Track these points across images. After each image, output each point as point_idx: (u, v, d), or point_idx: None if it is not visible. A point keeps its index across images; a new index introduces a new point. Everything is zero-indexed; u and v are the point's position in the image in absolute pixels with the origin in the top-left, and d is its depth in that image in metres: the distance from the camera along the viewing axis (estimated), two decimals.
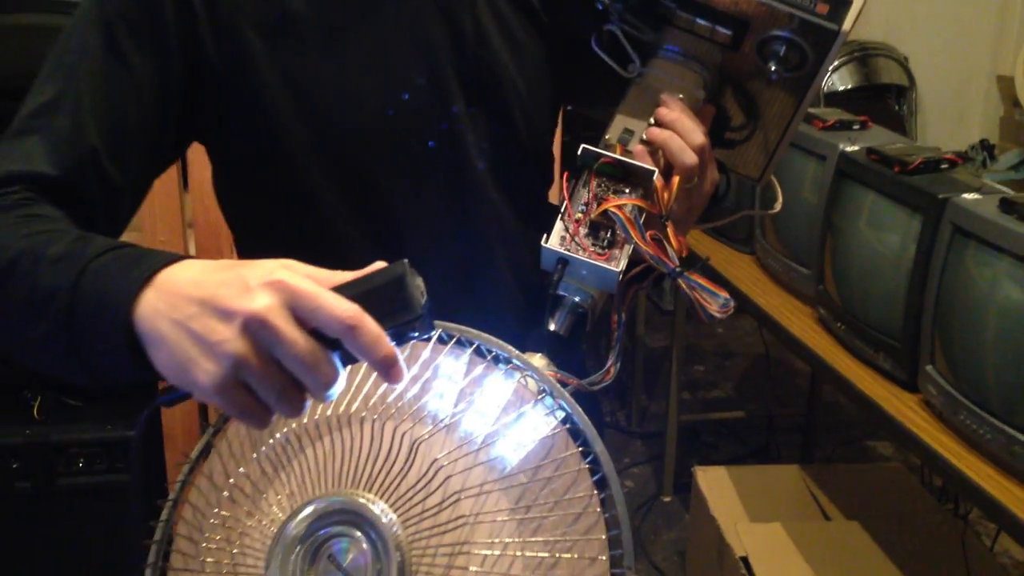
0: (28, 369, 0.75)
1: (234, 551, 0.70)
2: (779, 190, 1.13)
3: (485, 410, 0.71)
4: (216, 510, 0.71)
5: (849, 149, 1.86)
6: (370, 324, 0.59)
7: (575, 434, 0.72)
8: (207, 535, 0.71)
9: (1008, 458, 1.41)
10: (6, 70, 2.45)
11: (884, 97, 4.21)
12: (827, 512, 2.18)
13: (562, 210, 0.83)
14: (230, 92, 0.84)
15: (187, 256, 0.66)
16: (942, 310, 1.55)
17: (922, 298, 1.59)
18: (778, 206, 1.15)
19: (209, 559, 0.71)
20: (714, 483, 2.29)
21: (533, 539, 0.69)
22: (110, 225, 0.81)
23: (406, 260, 0.62)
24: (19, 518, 1.92)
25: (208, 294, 0.60)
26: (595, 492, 0.71)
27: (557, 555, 0.69)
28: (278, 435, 0.72)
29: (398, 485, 0.68)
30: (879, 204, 1.74)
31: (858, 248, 1.81)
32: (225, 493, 0.71)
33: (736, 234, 2.34)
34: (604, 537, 0.70)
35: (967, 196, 1.53)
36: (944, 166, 1.69)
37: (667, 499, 2.76)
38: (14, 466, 1.89)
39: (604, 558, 0.69)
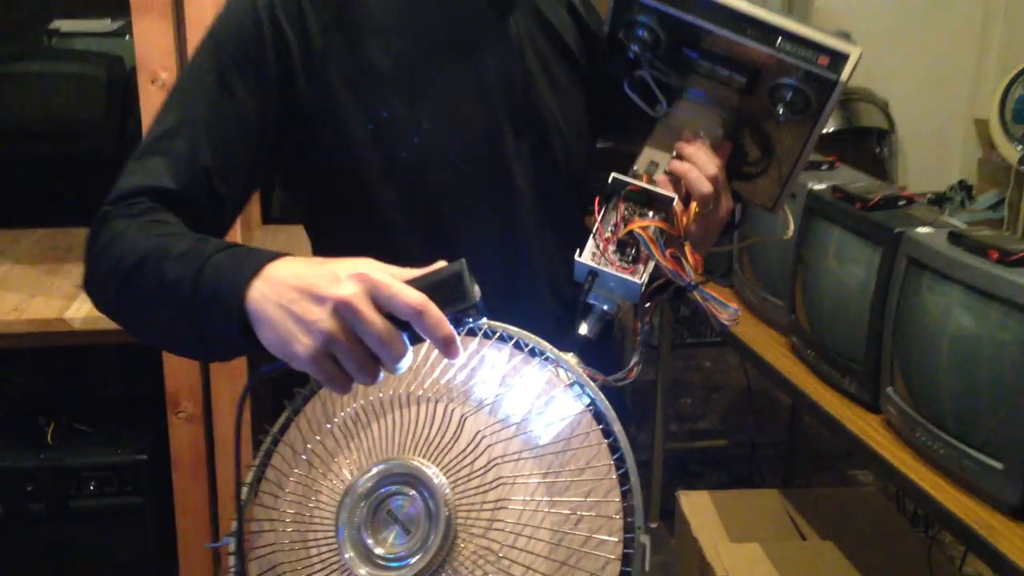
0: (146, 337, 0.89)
1: (310, 504, 0.83)
2: (791, 218, 1.26)
3: (522, 393, 0.84)
4: (296, 470, 0.85)
5: (817, 187, 1.98)
6: (434, 309, 0.73)
7: (598, 417, 0.84)
8: (287, 491, 0.84)
9: (959, 471, 1.52)
10: (26, 113, 2.59)
11: (866, 140, 4.35)
12: (804, 533, 2.28)
13: (594, 230, 0.96)
14: (316, 125, 0.99)
15: (287, 254, 0.81)
16: (900, 336, 1.67)
17: (881, 325, 1.71)
18: (790, 232, 1.28)
19: (289, 510, 0.84)
20: (697, 507, 2.39)
21: (560, 499, 0.81)
22: (215, 230, 0.94)
23: (463, 260, 0.76)
24: (33, 539, 2.01)
25: (306, 283, 0.75)
26: (612, 464, 0.82)
27: (580, 513, 0.80)
28: (348, 410, 0.85)
29: (448, 452, 0.81)
30: (844, 238, 1.86)
31: (826, 279, 1.93)
32: (303, 457, 0.85)
33: (716, 268, 2.46)
34: (619, 500, 0.81)
35: (920, 230, 1.65)
36: (901, 203, 1.81)
37: (653, 525, 2.85)
38: (28, 489, 1.99)
39: (618, 517, 0.81)
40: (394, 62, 0.99)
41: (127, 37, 3.42)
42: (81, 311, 1.89)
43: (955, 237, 1.56)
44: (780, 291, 2.11)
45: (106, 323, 1.87)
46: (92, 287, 0.92)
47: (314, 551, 0.81)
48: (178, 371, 1.92)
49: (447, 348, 0.75)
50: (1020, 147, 3.85)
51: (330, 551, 0.80)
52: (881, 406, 1.73)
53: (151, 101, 1.81)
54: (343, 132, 0.98)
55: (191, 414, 1.95)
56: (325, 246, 1.09)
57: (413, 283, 0.75)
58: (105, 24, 3.41)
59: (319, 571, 0.81)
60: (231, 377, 1.95)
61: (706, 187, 0.98)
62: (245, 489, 0.87)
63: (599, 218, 0.96)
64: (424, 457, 0.81)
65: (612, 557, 0.80)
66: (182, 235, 0.87)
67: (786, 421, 3.05)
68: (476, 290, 0.76)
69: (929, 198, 4.23)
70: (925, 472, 1.58)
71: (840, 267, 1.88)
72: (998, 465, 1.44)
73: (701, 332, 3.47)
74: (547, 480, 0.81)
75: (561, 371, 0.87)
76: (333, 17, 0.97)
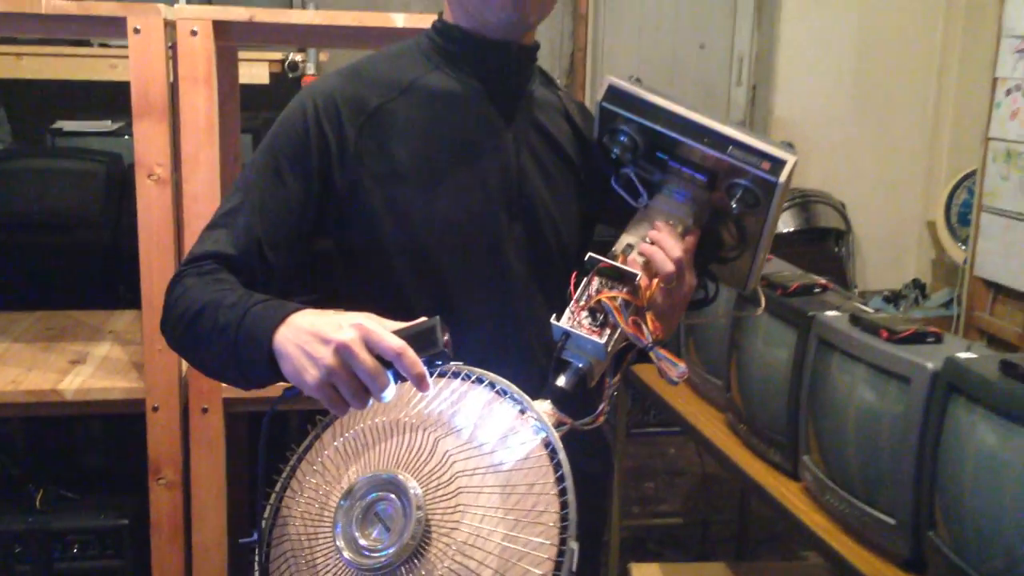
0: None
1: (318, 505, 1.03)
2: (763, 297, 1.43)
3: (490, 425, 1.03)
4: (310, 479, 1.06)
5: None
6: (411, 354, 0.95)
7: (554, 452, 1.02)
8: (304, 494, 1.05)
9: (862, 528, 1.68)
10: (28, 206, 2.79)
11: (825, 240, 4.58)
12: None
13: (571, 299, 1.14)
14: (348, 207, 1.22)
15: (308, 307, 1.04)
16: (813, 408, 1.85)
17: (798, 398, 1.89)
18: (760, 310, 1.46)
19: (301, 509, 1.05)
20: None
21: (511, 508, 0.99)
22: (264, 288, 1.17)
23: (438, 317, 0.98)
24: None
25: (316, 329, 0.98)
26: (555, 484, 1.00)
27: (524, 521, 0.98)
28: (350, 432, 1.06)
29: (423, 467, 1.00)
30: (768, 322, 2.06)
31: (754, 359, 2.12)
32: (315, 468, 1.06)
33: None
34: (557, 513, 0.99)
35: (828, 313, 1.85)
36: (817, 290, 2.01)
37: None
38: (16, 551, 2.12)
39: (554, 526, 0.98)
40: (413, 160, 1.22)
41: (127, 136, 3.67)
42: (73, 384, 2.06)
43: (855, 319, 1.76)
44: (719, 372, 2.30)
45: (96, 395, 2.06)
46: (165, 327, 1.16)
47: (322, 541, 1.01)
48: (160, 440, 2.08)
49: (419, 383, 0.97)
50: (965, 248, 4.09)
51: (330, 542, 1.00)
52: (799, 474, 1.91)
53: (147, 194, 2.00)
54: (369, 214, 1.22)
55: (171, 481, 2.10)
56: (350, 303, 1.29)
57: (398, 333, 0.97)
58: (106, 125, 3.66)
59: (321, 556, 1.01)
60: (210, 447, 2.11)
61: (668, 266, 1.17)
62: (273, 495, 1.08)
63: (576, 289, 1.15)
64: (405, 471, 1.00)
65: (546, 557, 0.97)
66: (233, 290, 1.11)
67: (738, 500, 3.19)
68: (446, 340, 0.97)
69: (885, 295, 4.46)
70: (835, 532, 1.75)
71: (765, 348, 2.07)
72: (891, 521, 1.61)
73: (664, 420, 3.64)
74: (503, 493, 0.99)
75: (527, 412, 1.05)
76: (366, 122, 1.21)
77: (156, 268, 2.03)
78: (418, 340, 0.96)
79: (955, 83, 4.65)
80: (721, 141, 1.18)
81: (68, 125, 3.48)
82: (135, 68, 1.95)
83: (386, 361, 0.96)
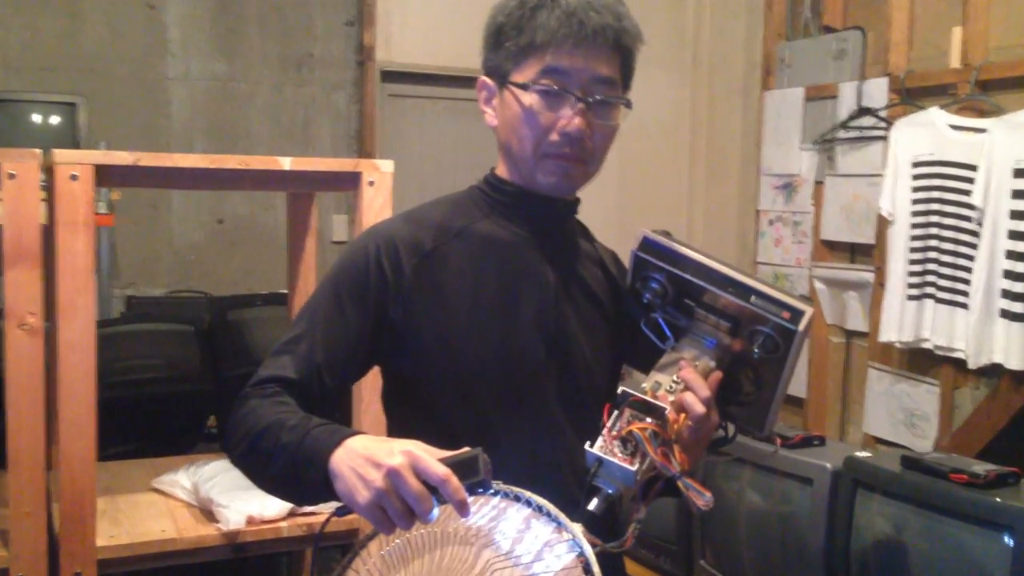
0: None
1: None
2: (778, 439, 1.52)
3: (529, 539, 1.09)
4: None
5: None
6: (455, 480, 1.01)
7: (587, 567, 1.07)
8: None
9: None
10: None
11: None
12: None
13: (604, 428, 1.19)
14: (401, 339, 1.26)
15: (363, 432, 1.09)
16: (706, 516, 2.01)
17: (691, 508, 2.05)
18: (775, 450, 1.62)
19: None
20: None
21: None
22: (320, 408, 1.21)
23: (480, 448, 1.04)
24: None
25: (370, 453, 1.05)
26: None
27: None
28: (396, 543, 1.12)
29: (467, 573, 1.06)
30: None
31: None
32: (366, 568, 1.11)
33: None
34: None
35: None
36: None
37: None
38: None
39: None
40: (462, 298, 1.28)
41: None
42: None
43: None
44: None
45: None
46: (229, 445, 1.22)
47: None
48: None
49: (461, 508, 1.03)
50: None
51: None
52: None
53: (16, 344, 1.86)
54: (420, 345, 1.27)
55: None
56: (397, 425, 1.34)
57: (443, 460, 1.03)
58: None
59: None
60: None
61: (699, 407, 1.23)
62: None
63: (609, 420, 1.20)
64: None
65: None
66: (294, 413, 1.18)
67: None
68: (487, 469, 1.04)
69: None
70: None
71: None
72: None
73: None
74: None
75: (563, 528, 1.11)
76: (421, 262, 1.28)
77: (25, 424, 1.88)
78: (461, 468, 1.03)
79: (702, 213, 5.19)
80: (745, 291, 1.26)
81: None
82: (9, 214, 1.85)
83: (431, 486, 1.02)
